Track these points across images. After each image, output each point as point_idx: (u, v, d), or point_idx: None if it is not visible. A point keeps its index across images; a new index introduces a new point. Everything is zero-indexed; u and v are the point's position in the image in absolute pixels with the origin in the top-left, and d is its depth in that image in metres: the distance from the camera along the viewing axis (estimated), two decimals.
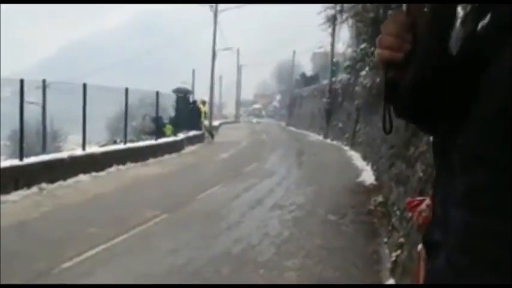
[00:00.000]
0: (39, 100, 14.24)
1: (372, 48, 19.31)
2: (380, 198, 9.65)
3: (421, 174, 5.96)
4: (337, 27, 28.61)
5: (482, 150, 0.79)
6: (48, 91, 14.21)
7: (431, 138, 1.08)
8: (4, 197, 9.77)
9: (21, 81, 11.66)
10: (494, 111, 0.78)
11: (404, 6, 0.99)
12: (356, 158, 18.27)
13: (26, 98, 12.15)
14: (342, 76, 28.52)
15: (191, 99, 27.92)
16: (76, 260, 6.23)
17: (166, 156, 18.43)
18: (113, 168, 14.29)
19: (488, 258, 0.76)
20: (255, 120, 63.74)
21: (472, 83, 0.85)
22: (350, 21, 20.47)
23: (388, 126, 1.07)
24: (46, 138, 14.50)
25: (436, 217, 0.91)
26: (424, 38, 0.95)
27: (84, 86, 14.36)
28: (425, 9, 0.96)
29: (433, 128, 1.01)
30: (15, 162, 11.16)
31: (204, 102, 28.72)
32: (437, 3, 0.95)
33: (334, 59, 32.37)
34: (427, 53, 0.94)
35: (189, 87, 30.76)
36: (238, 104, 67.72)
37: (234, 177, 13.57)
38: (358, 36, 21.59)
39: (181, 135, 22.33)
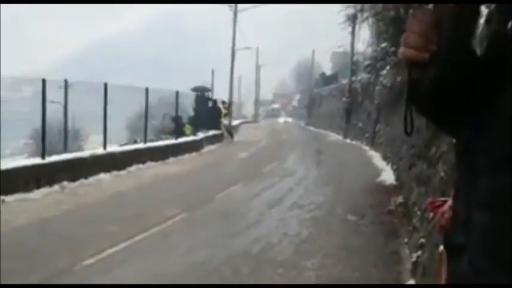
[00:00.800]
0: (61, 99, 14.40)
1: (393, 48, 19.14)
2: (400, 199, 9.55)
3: (442, 174, 5.88)
4: (357, 26, 28.42)
5: (507, 151, 0.78)
6: (69, 90, 14.37)
7: (453, 139, 1.06)
8: (26, 195, 9.94)
9: (43, 81, 11.81)
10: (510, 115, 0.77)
11: (430, 5, 0.97)
12: (376, 158, 18.13)
13: (48, 97, 12.30)
14: (362, 75, 28.32)
15: (211, 99, 28.01)
16: (97, 258, 6.30)
17: (186, 156, 18.52)
18: (133, 167, 14.41)
19: (509, 259, 0.74)
20: (282, 120, 63.78)
21: (497, 83, 0.83)
22: (370, 20, 20.31)
23: (409, 128, 1.05)
24: (68, 137, 14.67)
25: (459, 220, 0.89)
26: (447, 36, 0.93)
27: (105, 85, 14.50)
28: (451, 9, 0.94)
29: (455, 129, 0.99)
30: (38, 160, 11.33)
31: (224, 103, 28.81)
32: (461, 2, 0.93)
33: (354, 58, 32.16)
34: (450, 52, 0.92)
35: (204, 85, 30.79)
36: (257, 103, 67.74)
37: (253, 177, 13.57)
38: (378, 35, 21.41)
39: (200, 135, 22.42)
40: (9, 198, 9.52)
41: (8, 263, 6.04)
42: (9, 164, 10.74)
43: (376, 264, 6.38)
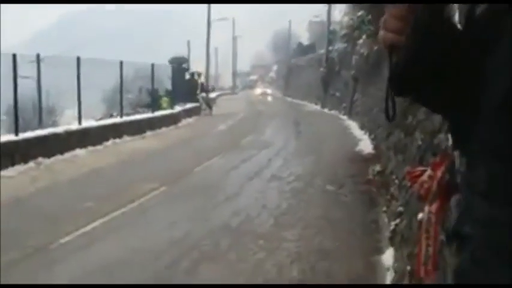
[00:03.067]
0: (34, 75, 14.06)
1: (369, 16, 19.04)
2: (378, 168, 9.60)
3: (420, 142, 5.89)
4: None
5: (495, 141, 0.75)
6: (42, 65, 14.03)
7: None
8: (0, 173, 9.71)
9: (14, 56, 11.51)
10: (497, 103, 0.75)
11: None
12: (354, 127, 18.21)
13: (20, 72, 12.02)
14: (339, 45, 28.22)
15: (188, 70, 27.68)
16: (74, 235, 6.21)
17: (164, 129, 18.34)
18: (110, 142, 14.21)
19: (509, 250, 0.70)
20: (259, 91, 56.66)
21: (476, 70, 0.79)
22: None
23: (392, 112, 1.00)
24: (42, 113, 14.38)
25: (465, 207, 0.84)
26: (419, 12, 0.88)
27: (78, 59, 14.19)
28: None
29: (446, 113, 0.97)
30: (11, 137, 11.08)
31: (199, 74, 28.49)
32: None
33: (331, 28, 31.97)
34: (420, 28, 0.87)
35: (181, 56, 30.37)
36: (235, 75, 67.29)
37: (231, 149, 13.51)
38: (354, 4, 21.29)
39: (178, 108, 22.19)
40: None
41: None
42: None
43: (356, 233, 6.42)
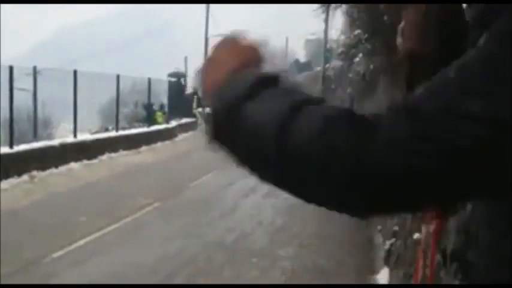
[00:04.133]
0: (31, 87, 14.07)
1: (366, 35, 19.20)
2: None
3: None
4: (330, 13, 28.43)
5: None
6: (39, 78, 14.05)
7: None
8: None
9: (11, 68, 11.51)
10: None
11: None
12: None
13: (17, 85, 12.03)
14: (335, 63, 28.40)
15: (185, 86, 27.74)
16: (67, 249, 6.16)
17: (159, 144, 18.31)
18: (105, 156, 14.16)
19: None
20: None
21: None
22: (344, 6, 20.35)
23: None
24: (37, 126, 14.36)
25: (471, 235, 0.84)
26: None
27: (75, 72, 14.21)
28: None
29: None
30: (6, 149, 11.02)
31: (196, 89, 28.54)
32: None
33: (328, 46, 32.20)
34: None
35: (180, 71, 30.46)
36: None
37: (227, 165, 13.43)
38: (351, 22, 21.46)
39: (174, 123, 22.18)
40: None
41: None
42: None
43: (350, 252, 6.40)
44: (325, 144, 0.60)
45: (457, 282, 0.82)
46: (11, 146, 11.13)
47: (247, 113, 0.66)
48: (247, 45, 0.76)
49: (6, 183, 9.98)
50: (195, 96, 27.36)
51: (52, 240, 6.45)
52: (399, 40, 0.96)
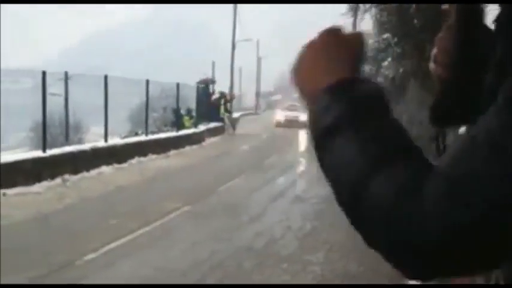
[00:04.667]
0: (62, 91, 14.33)
1: (395, 39, 19.00)
2: None
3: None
4: (358, 17, 28.23)
5: None
6: (70, 83, 14.29)
7: None
8: (27, 189, 9.88)
9: (43, 73, 11.74)
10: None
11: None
12: None
13: (49, 89, 12.24)
14: (363, 67, 28.16)
15: (213, 91, 27.92)
16: (99, 252, 6.24)
17: (188, 148, 18.44)
18: (135, 160, 14.34)
19: None
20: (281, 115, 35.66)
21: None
22: (373, 10, 20.18)
23: (442, 147, 0.99)
24: (69, 130, 14.61)
25: None
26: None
27: (106, 77, 14.43)
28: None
29: None
30: (39, 153, 11.27)
31: (224, 94, 28.68)
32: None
33: None
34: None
35: (209, 77, 30.69)
36: (258, 95, 67.60)
37: (255, 169, 13.50)
38: (380, 26, 21.29)
39: (201, 127, 22.33)
40: (10, 192, 9.46)
41: (9, 257, 5.99)
42: (10, 157, 10.69)
43: (381, 258, 6.31)
44: (393, 212, 0.60)
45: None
46: (44, 150, 11.35)
47: (335, 145, 0.65)
48: (347, 39, 0.73)
49: (39, 187, 10.20)
50: (223, 101, 27.51)
51: (84, 243, 6.55)
52: (432, 65, 0.95)
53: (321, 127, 0.67)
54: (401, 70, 17.00)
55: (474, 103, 0.77)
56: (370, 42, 24.71)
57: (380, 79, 20.91)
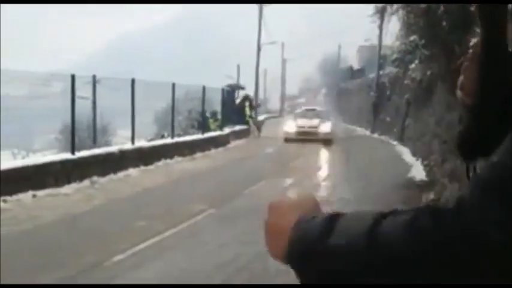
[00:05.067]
0: (89, 95, 14.54)
1: (423, 41, 18.79)
2: (432, 195, 9.37)
3: (478, 170, 5.72)
4: (385, 19, 28.00)
5: None
6: (97, 86, 14.50)
7: None
8: (57, 190, 10.08)
9: (73, 77, 11.95)
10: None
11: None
12: (405, 153, 17.86)
13: (77, 93, 12.44)
14: (390, 69, 27.92)
15: (237, 94, 28.04)
16: (127, 253, 6.31)
17: (213, 151, 18.54)
18: (161, 162, 14.49)
19: None
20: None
21: None
22: (400, 12, 19.98)
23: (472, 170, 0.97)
24: (96, 133, 14.82)
25: None
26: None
27: (133, 81, 14.62)
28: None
29: None
30: (68, 156, 11.46)
31: (249, 97, 28.77)
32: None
33: (381, 52, 31.71)
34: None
35: (237, 83, 30.89)
36: (283, 98, 67.56)
37: (280, 172, 13.49)
38: (407, 28, 21.04)
39: (227, 130, 22.43)
40: (40, 193, 9.67)
41: (40, 258, 6.12)
42: (40, 159, 10.92)
43: None
44: (413, 239, 0.63)
45: None
46: (72, 152, 11.55)
47: (334, 242, 0.69)
48: (300, 201, 0.81)
49: (68, 188, 10.39)
50: (247, 104, 27.58)
51: (113, 244, 6.64)
52: (459, 93, 0.94)
53: (313, 239, 0.71)
54: (428, 73, 16.76)
55: (501, 135, 0.77)
56: (397, 44, 24.50)
57: (407, 81, 20.70)
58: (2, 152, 13.63)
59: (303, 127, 21.89)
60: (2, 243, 6.65)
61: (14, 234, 7.26)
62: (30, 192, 9.48)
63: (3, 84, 10.19)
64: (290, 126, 22.65)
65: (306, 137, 20.81)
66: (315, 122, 22.03)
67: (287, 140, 21.64)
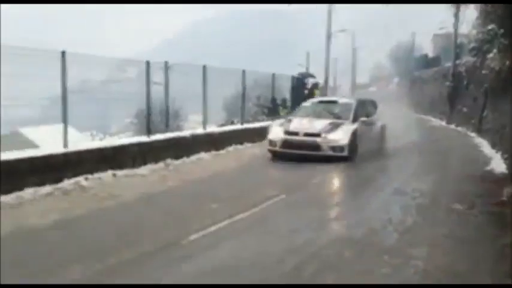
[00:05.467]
0: (161, 80, 14.91)
1: (502, 30, 17.85)
2: None
3: None
4: (462, 7, 26.83)
5: None
6: (169, 72, 14.84)
7: None
8: (134, 171, 10.52)
9: (147, 63, 12.31)
10: None
11: None
12: (484, 145, 17.11)
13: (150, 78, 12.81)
14: (467, 59, 26.77)
15: (308, 82, 27.86)
16: (201, 233, 6.47)
17: None
18: (232, 148, 14.72)
19: None
20: None
21: None
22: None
23: None
24: (169, 117, 15.22)
25: None
26: None
27: (204, 67, 14.86)
28: None
29: None
30: (144, 138, 11.89)
31: (318, 86, 28.53)
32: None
33: (458, 41, 30.44)
34: None
35: (307, 71, 30.68)
36: (354, 87, 66.45)
37: (349, 162, 13.29)
38: (485, 17, 20.07)
39: None
40: (119, 173, 10.11)
41: (122, 234, 6.41)
42: (119, 141, 11.40)
43: (487, 256, 6.02)
44: None
45: None
46: (148, 135, 11.96)
47: None
48: None
49: (145, 169, 10.81)
50: (317, 92, 27.35)
51: (187, 224, 6.83)
52: None
53: None
54: (507, 63, 15.95)
55: None
56: (473, 33, 23.44)
57: (485, 71, 19.78)
58: (81, 134, 14.35)
59: (296, 133, 13.27)
60: (89, 221, 7.08)
61: (98, 211, 7.67)
62: (110, 172, 9.92)
63: (86, 69, 10.69)
64: (275, 131, 13.80)
65: (298, 151, 12.84)
66: (320, 124, 13.30)
67: (274, 154, 13.47)
